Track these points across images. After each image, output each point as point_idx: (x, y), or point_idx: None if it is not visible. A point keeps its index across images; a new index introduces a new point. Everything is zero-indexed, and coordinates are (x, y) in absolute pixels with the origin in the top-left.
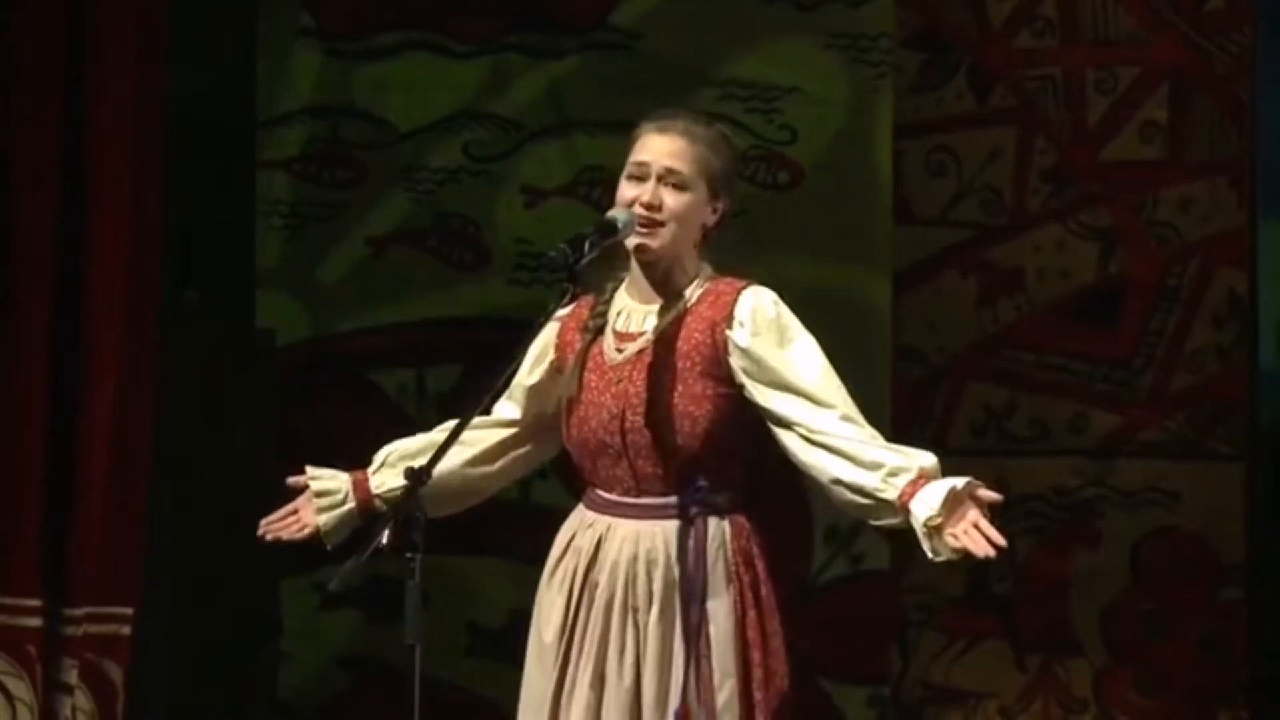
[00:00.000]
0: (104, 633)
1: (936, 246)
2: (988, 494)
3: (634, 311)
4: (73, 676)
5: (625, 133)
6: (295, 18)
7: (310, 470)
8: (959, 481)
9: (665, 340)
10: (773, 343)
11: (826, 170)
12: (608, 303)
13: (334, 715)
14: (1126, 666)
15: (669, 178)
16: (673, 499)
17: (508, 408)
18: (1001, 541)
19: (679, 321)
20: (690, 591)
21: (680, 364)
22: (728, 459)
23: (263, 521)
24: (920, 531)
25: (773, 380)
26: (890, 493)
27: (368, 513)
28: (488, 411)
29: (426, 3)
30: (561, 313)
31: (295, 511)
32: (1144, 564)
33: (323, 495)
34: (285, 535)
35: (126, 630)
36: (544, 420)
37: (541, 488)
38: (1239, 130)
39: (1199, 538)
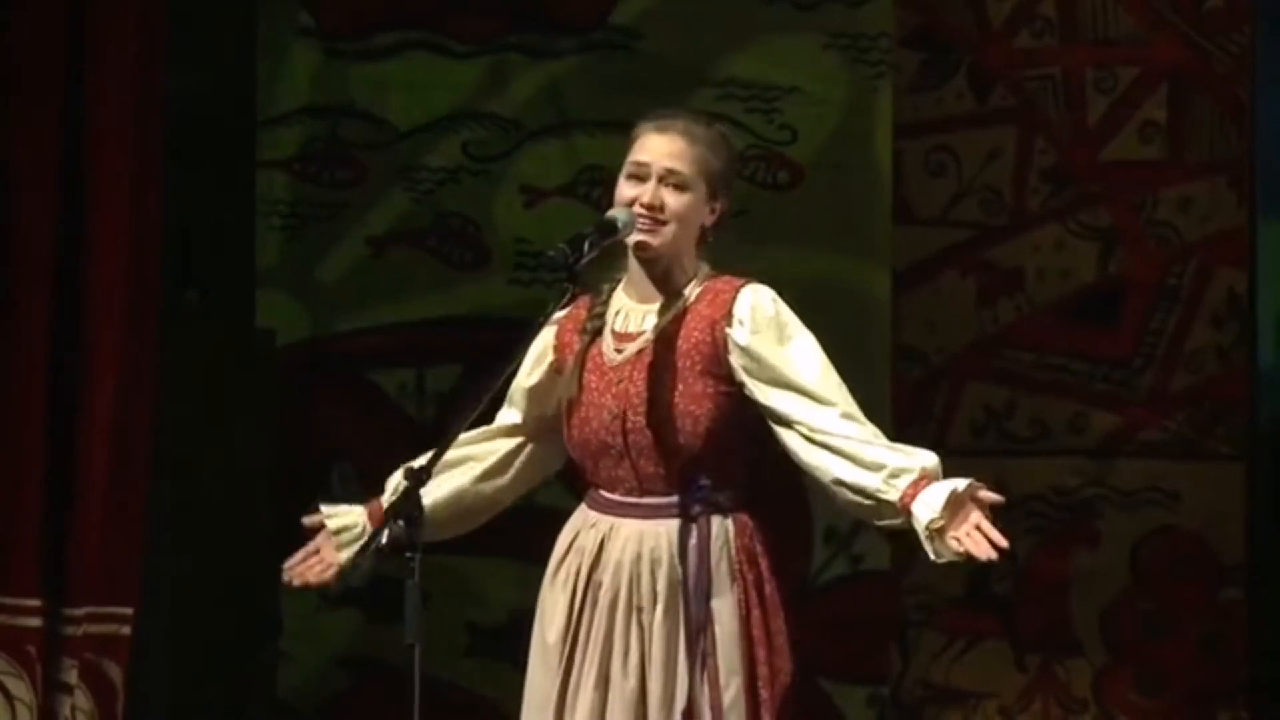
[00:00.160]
0: (104, 633)
1: (936, 246)
2: (989, 495)
3: (632, 311)
4: (72, 676)
5: (625, 132)
6: (295, 17)
7: (324, 509)
8: (960, 483)
9: (665, 339)
10: (772, 340)
11: (826, 170)
12: (605, 303)
13: (334, 715)
14: (1126, 666)
15: (670, 178)
16: (675, 498)
17: (509, 414)
18: (1004, 543)
19: (678, 320)
20: (695, 590)
21: (680, 363)
22: (729, 457)
23: (285, 566)
24: (922, 534)
25: (772, 378)
26: (892, 494)
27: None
28: (490, 417)
29: (426, 2)
30: (558, 315)
31: (316, 552)
32: (1144, 564)
33: (341, 532)
34: (312, 578)
35: (126, 630)
36: (546, 423)
37: (542, 488)
38: (1238, 130)
39: (1199, 538)
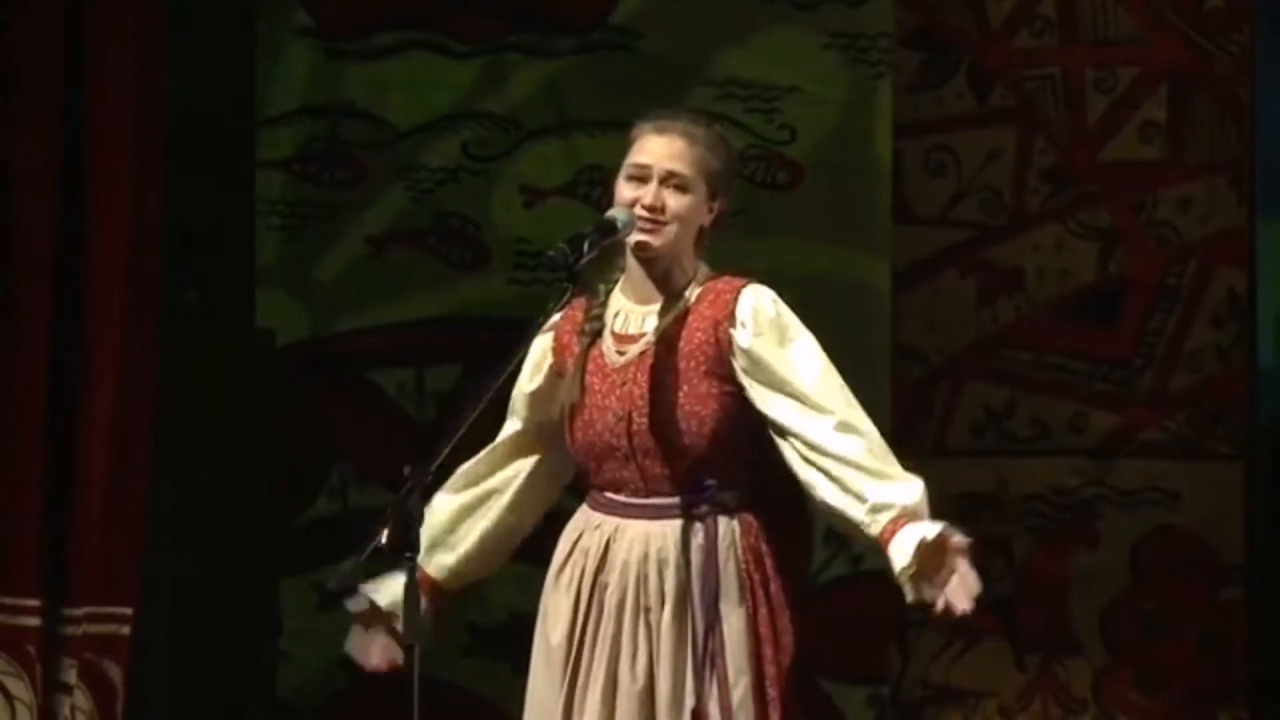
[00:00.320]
0: (103, 632)
1: (936, 246)
2: (961, 541)
3: (632, 313)
4: (72, 676)
5: (625, 132)
6: (294, 17)
7: (363, 590)
8: (930, 531)
9: (667, 341)
10: (773, 343)
11: (826, 170)
12: (603, 305)
13: (333, 715)
14: (1126, 666)
15: (671, 180)
16: (681, 499)
17: (514, 424)
18: (978, 590)
19: (680, 321)
20: (703, 590)
21: (683, 364)
22: (733, 457)
23: (356, 659)
24: (897, 577)
25: (771, 381)
26: (873, 529)
27: (440, 598)
28: (491, 417)
29: (426, 2)
30: (554, 319)
31: (372, 635)
32: (1144, 564)
33: (384, 606)
34: (385, 666)
35: (126, 630)
36: (551, 428)
37: None
38: (1238, 130)
39: (1199, 537)
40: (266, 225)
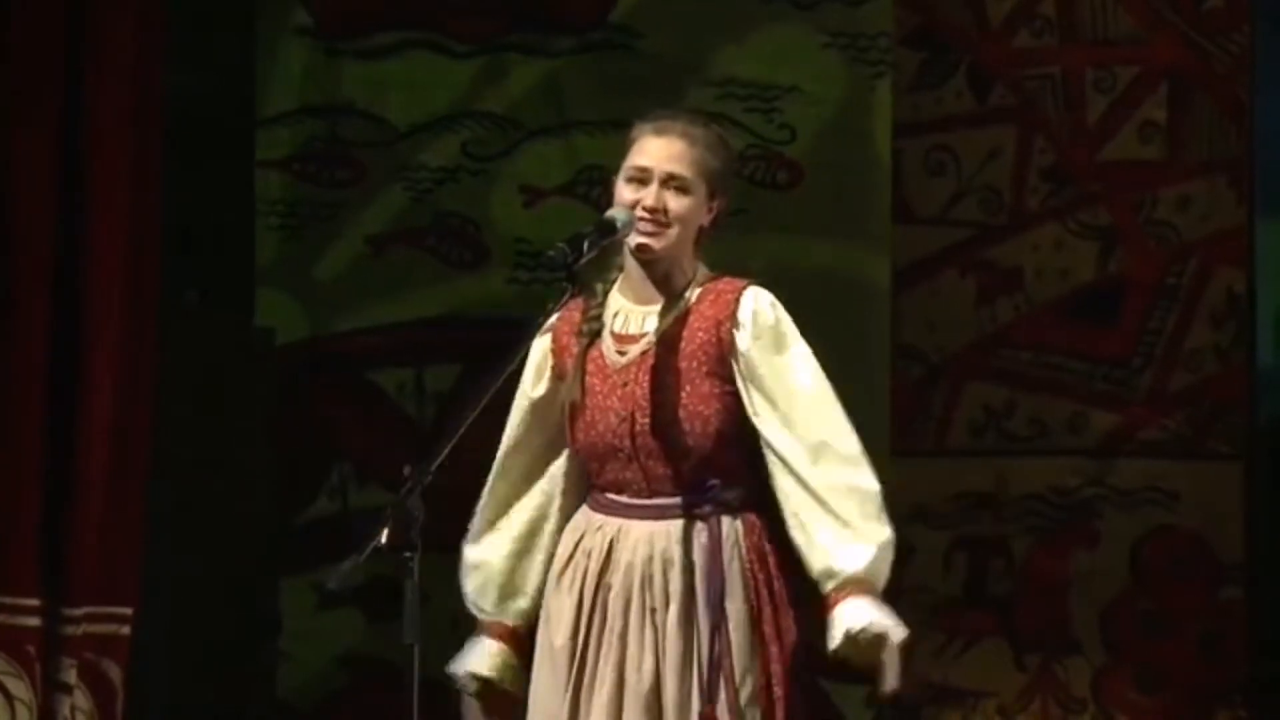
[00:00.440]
0: (103, 632)
1: (936, 246)
2: (894, 637)
3: (631, 313)
4: (72, 676)
5: (624, 132)
6: (294, 17)
7: (467, 668)
8: (855, 625)
9: (668, 341)
10: (769, 349)
11: (825, 169)
12: (601, 304)
13: (333, 714)
14: (1126, 666)
15: (671, 182)
16: (685, 499)
17: (526, 438)
18: (897, 686)
19: (681, 322)
20: (709, 590)
21: (686, 364)
22: (736, 457)
23: None
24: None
25: (761, 388)
26: (823, 586)
27: (523, 641)
28: (491, 416)
29: (425, 2)
30: (551, 321)
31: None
32: (1143, 563)
33: (494, 676)
34: None
35: (126, 630)
36: (558, 432)
37: None
38: (1238, 129)
39: (1198, 537)
40: (266, 225)
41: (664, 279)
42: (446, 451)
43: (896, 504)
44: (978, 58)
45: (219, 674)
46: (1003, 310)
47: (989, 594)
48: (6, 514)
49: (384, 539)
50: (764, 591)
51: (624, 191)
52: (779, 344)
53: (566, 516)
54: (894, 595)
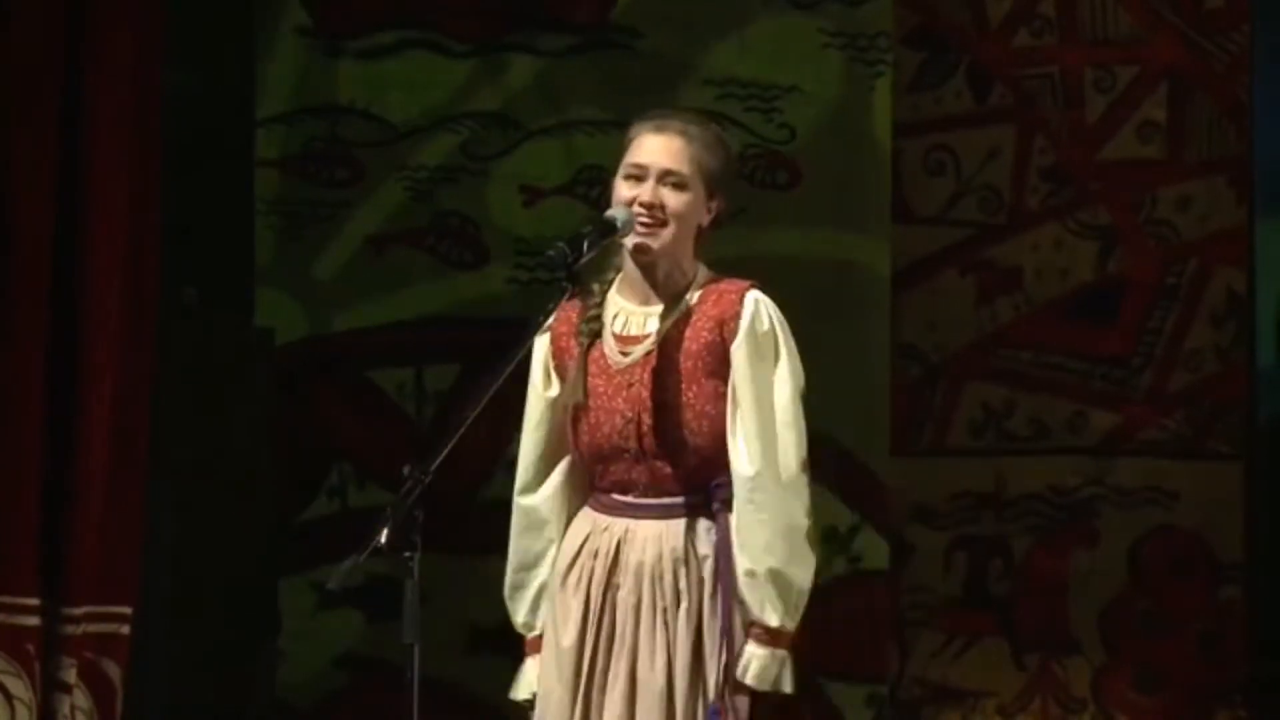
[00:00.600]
0: (103, 632)
1: (935, 245)
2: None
3: (632, 314)
4: (71, 675)
5: (624, 131)
6: (292, 17)
7: (521, 693)
8: (738, 674)
9: (672, 341)
10: (755, 357)
11: (825, 169)
12: (600, 304)
13: (332, 714)
14: (1125, 665)
15: (668, 178)
16: (692, 497)
17: (550, 443)
18: None
19: (684, 322)
20: (720, 587)
21: (690, 364)
22: None
23: None
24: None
25: (739, 393)
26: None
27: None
28: (489, 418)
29: (424, 2)
30: (548, 322)
31: None
32: (1143, 563)
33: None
34: None
35: (125, 629)
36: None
37: None
38: (1237, 129)
39: (1197, 536)
40: (265, 224)
41: (664, 280)
42: (446, 451)
43: (897, 504)
44: (977, 57)
45: (219, 674)
46: (1003, 310)
47: (989, 594)
48: (6, 514)
49: (384, 539)
50: None
51: (621, 188)
52: (766, 355)
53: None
54: (892, 594)
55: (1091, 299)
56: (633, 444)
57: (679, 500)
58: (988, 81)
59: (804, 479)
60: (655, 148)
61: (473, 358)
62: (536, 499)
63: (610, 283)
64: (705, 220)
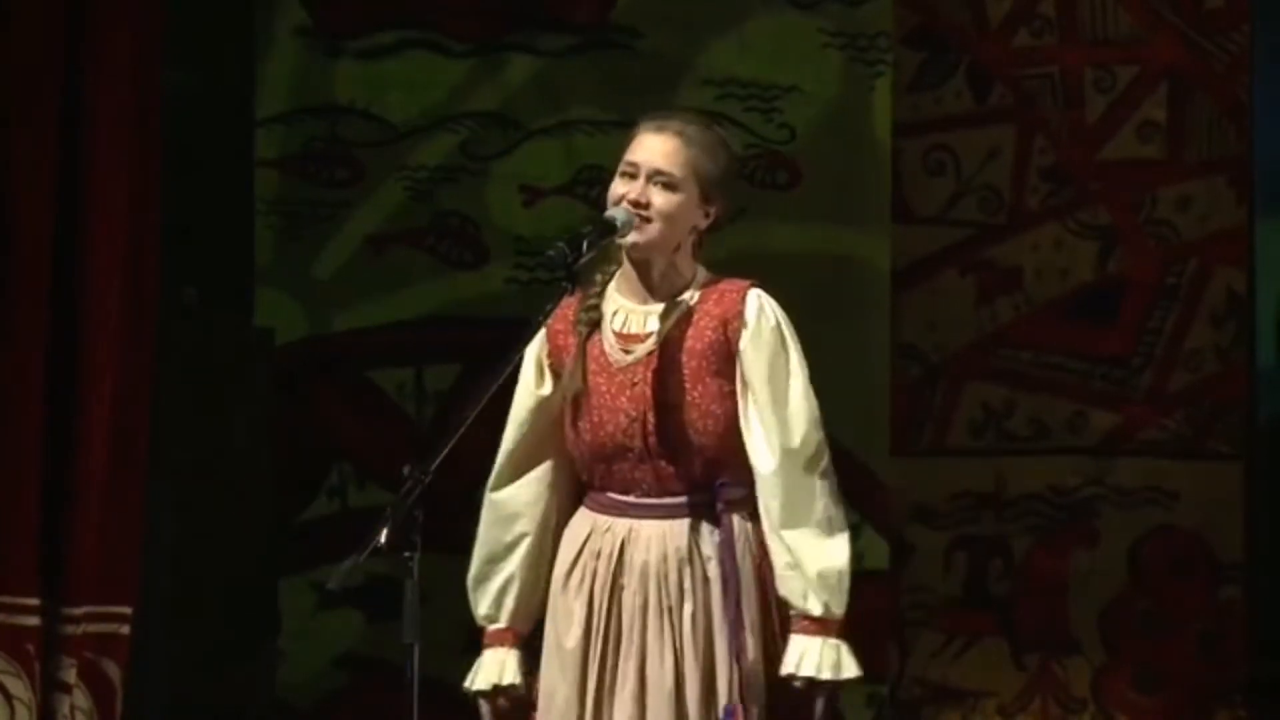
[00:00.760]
0: (103, 632)
1: (935, 245)
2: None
3: (632, 313)
4: (71, 675)
5: (624, 131)
6: (292, 17)
7: (480, 683)
8: (789, 670)
9: (674, 341)
10: (765, 353)
11: (825, 169)
12: (600, 295)
13: (332, 714)
14: (1125, 665)
15: (658, 178)
16: (696, 497)
17: (538, 448)
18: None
19: (685, 321)
20: (726, 587)
21: (694, 364)
22: (744, 454)
23: None
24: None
25: (751, 390)
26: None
27: (529, 642)
28: (491, 417)
29: (424, 1)
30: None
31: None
32: (1143, 563)
33: (512, 685)
34: None
35: (125, 629)
36: (547, 431)
37: None
38: (1237, 129)
39: (1197, 537)
40: (265, 224)
41: (660, 280)
42: (446, 451)
43: (896, 504)
44: (977, 57)
45: (219, 674)
46: (1003, 310)
47: (989, 594)
48: (6, 514)
49: (384, 539)
50: (772, 588)
51: (615, 186)
52: (775, 350)
53: (563, 519)
54: (892, 594)
55: (1091, 299)
56: (638, 443)
57: (682, 500)
58: (988, 81)
59: (827, 463)
60: (650, 147)
61: (473, 358)
62: (509, 494)
63: (612, 274)
64: (701, 223)
